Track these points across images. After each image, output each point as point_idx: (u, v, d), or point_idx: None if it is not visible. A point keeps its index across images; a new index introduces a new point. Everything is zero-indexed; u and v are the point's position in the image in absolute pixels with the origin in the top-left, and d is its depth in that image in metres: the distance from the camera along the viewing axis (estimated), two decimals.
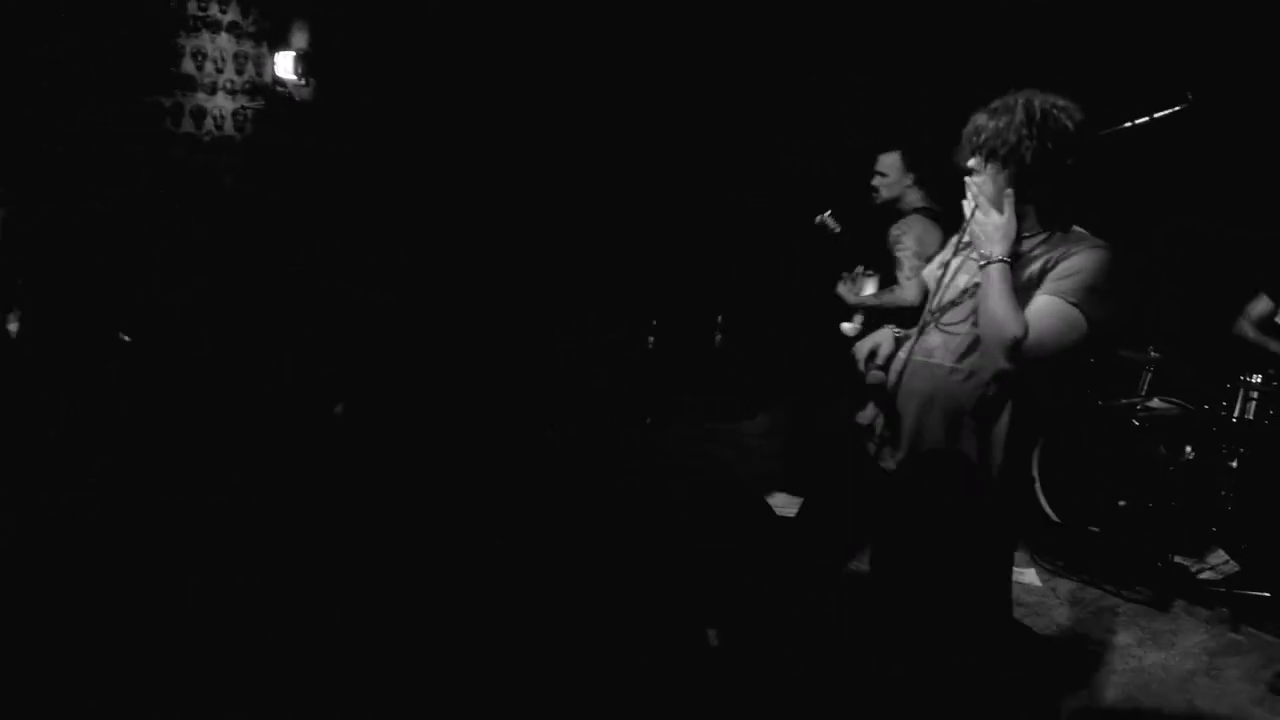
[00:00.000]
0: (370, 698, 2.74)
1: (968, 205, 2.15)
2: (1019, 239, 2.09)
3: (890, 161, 3.95)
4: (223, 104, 5.63)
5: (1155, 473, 3.97)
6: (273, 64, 5.71)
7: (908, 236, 3.82)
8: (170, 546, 3.52)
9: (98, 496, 3.73)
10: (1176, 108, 4.01)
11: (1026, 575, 3.85)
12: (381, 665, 2.85)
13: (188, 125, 5.51)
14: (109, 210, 4.80)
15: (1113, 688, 3.06)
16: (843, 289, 3.98)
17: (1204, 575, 3.90)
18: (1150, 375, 4.68)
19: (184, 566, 3.40)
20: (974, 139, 2.09)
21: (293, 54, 5.66)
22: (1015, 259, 2.06)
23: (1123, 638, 3.41)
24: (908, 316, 2.52)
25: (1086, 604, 3.66)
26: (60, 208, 4.61)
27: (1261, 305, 4.24)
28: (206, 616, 3.06)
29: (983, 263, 2.06)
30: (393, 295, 5.15)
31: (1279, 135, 4.50)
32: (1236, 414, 4.18)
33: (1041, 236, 2.10)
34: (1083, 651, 3.28)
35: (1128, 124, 4.08)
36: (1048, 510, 4.30)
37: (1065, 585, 3.81)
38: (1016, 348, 1.96)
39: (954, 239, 2.31)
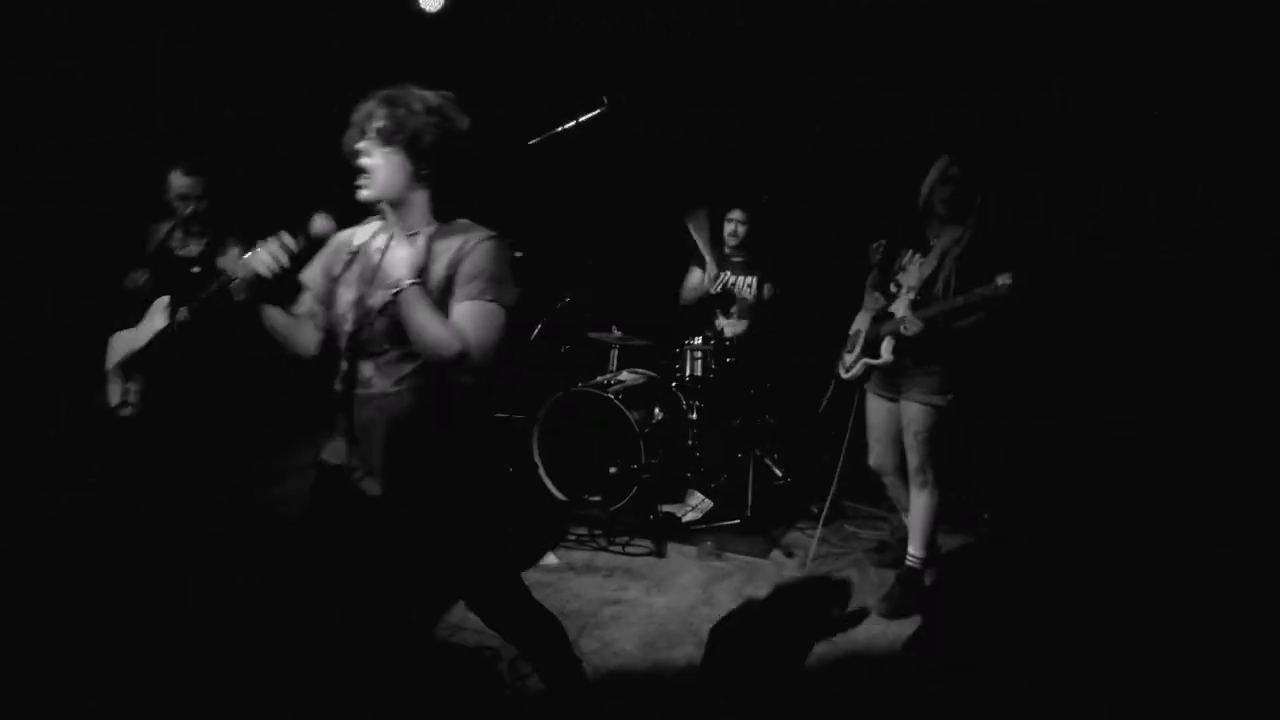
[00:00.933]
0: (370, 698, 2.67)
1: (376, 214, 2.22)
2: (414, 231, 2.17)
3: None
4: None
5: (634, 437, 4.38)
6: None
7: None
8: (170, 546, 3.55)
9: (98, 496, 3.77)
10: (596, 111, 4.48)
11: (545, 558, 4.01)
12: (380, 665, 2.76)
13: None
14: None
15: (632, 639, 3.25)
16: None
17: (688, 517, 4.41)
18: (617, 352, 5.20)
19: (184, 566, 3.44)
20: (370, 124, 2.10)
21: None
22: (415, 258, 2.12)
23: (633, 591, 3.67)
24: None
25: (599, 569, 3.88)
26: None
27: (694, 277, 5.01)
28: (206, 616, 3.12)
29: (395, 290, 2.05)
30: None
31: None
32: (687, 373, 4.81)
33: (432, 229, 2.18)
34: (600, 614, 3.45)
35: (558, 129, 4.48)
36: (554, 491, 4.53)
37: (580, 556, 4.00)
38: (461, 360, 2.04)
39: (335, 253, 2.29)
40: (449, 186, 2.20)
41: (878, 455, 3.67)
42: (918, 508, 3.53)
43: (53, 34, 4.24)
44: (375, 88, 2.23)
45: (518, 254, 4.24)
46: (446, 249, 2.14)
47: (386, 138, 2.09)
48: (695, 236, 4.87)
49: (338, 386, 2.21)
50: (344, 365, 2.20)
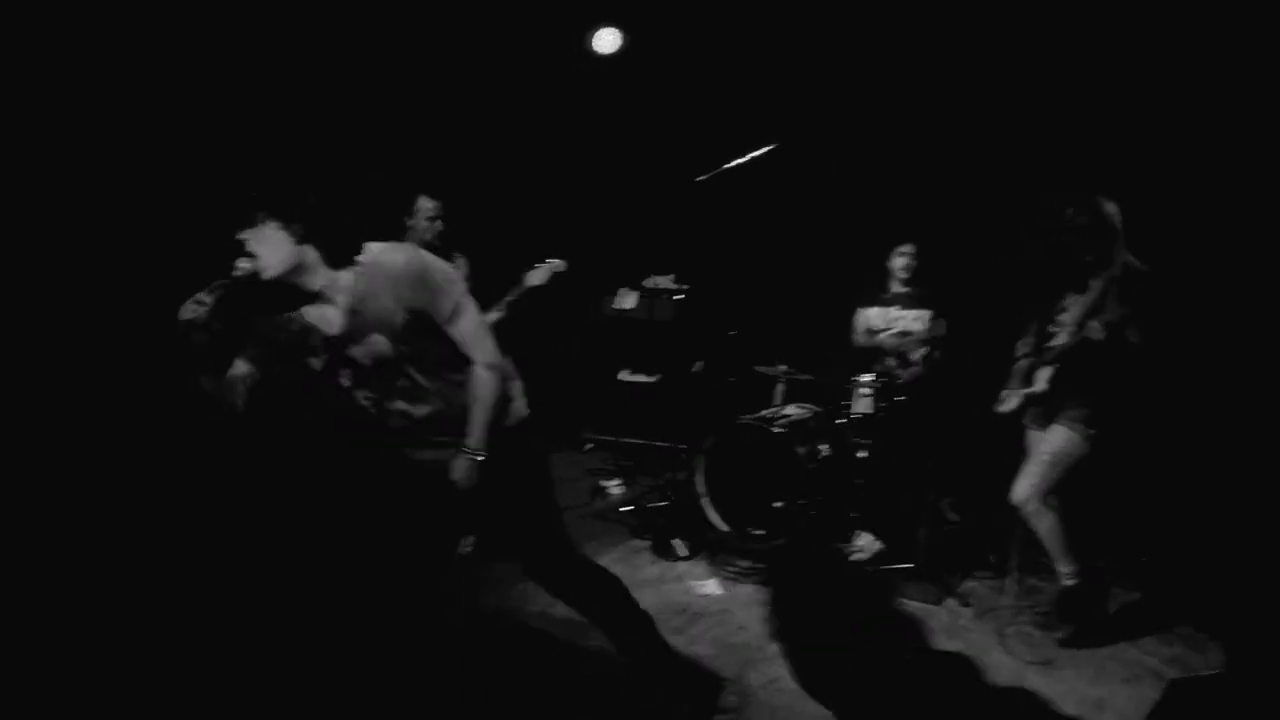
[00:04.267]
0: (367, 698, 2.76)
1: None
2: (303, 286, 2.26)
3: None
4: None
5: (799, 473, 4.28)
6: None
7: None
8: (170, 547, 3.56)
9: (98, 496, 3.73)
10: (766, 149, 4.49)
11: (709, 585, 3.95)
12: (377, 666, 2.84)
13: None
14: None
15: (794, 678, 3.17)
16: None
17: (855, 558, 4.27)
18: (783, 387, 5.12)
19: (184, 567, 3.46)
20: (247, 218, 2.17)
21: None
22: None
23: (799, 630, 3.58)
24: None
25: (765, 603, 3.80)
26: None
27: (863, 318, 4.90)
28: (207, 617, 3.13)
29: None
30: None
31: None
32: (856, 410, 4.68)
33: (344, 275, 2.26)
34: (766, 649, 3.37)
35: (726, 166, 4.51)
36: (717, 521, 4.49)
37: (744, 589, 3.94)
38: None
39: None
40: (331, 233, 2.24)
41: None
42: (1045, 529, 3.47)
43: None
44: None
45: (731, 333, 4.38)
46: (382, 282, 2.24)
47: (260, 220, 2.16)
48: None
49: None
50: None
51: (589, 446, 6.29)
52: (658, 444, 5.48)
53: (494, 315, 4.02)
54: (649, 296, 6.12)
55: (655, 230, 6.12)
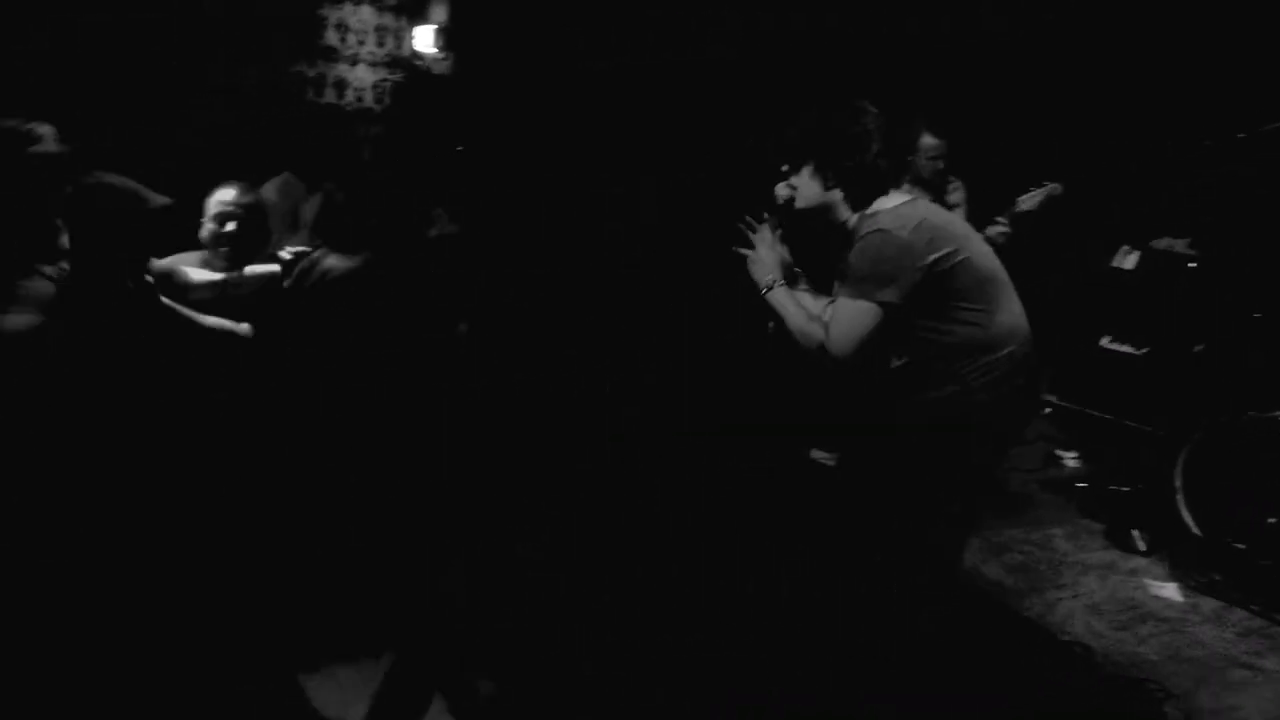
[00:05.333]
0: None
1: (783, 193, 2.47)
2: (835, 224, 2.42)
3: None
4: (363, 76, 5.81)
5: None
6: (412, 38, 5.87)
7: None
8: (171, 546, 3.02)
9: (98, 496, 3.16)
10: None
11: (1167, 589, 3.64)
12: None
13: (330, 96, 5.70)
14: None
15: (1259, 713, 2.86)
16: None
17: None
18: None
19: (184, 566, 3.00)
20: (786, 147, 2.42)
21: (432, 28, 5.80)
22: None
23: (1271, 662, 3.17)
24: None
25: (1231, 624, 3.42)
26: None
27: None
28: (207, 617, 2.90)
29: (764, 290, 2.44)
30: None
31: None
32: None
33: (852, 220, 2.39)
34: (1226, 674, 3.07)
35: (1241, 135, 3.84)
36: (1190, 523, 4.05)
37: (1209, 603, 3.57)
38: (821, 353, 2.28)
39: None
40: (862, 185, 2.37)
41: None
42: None
43: None
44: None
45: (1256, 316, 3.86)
46: (851, 240, 2.35)
47: (799, 158, 2.39)
48: None
49: None
50: None
51: (1047, 410, 5.95)
52: (1131, 423, 5.01)
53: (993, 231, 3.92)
54: (1155, 259, 5.49)
55: (1178, 185, 5.44)
